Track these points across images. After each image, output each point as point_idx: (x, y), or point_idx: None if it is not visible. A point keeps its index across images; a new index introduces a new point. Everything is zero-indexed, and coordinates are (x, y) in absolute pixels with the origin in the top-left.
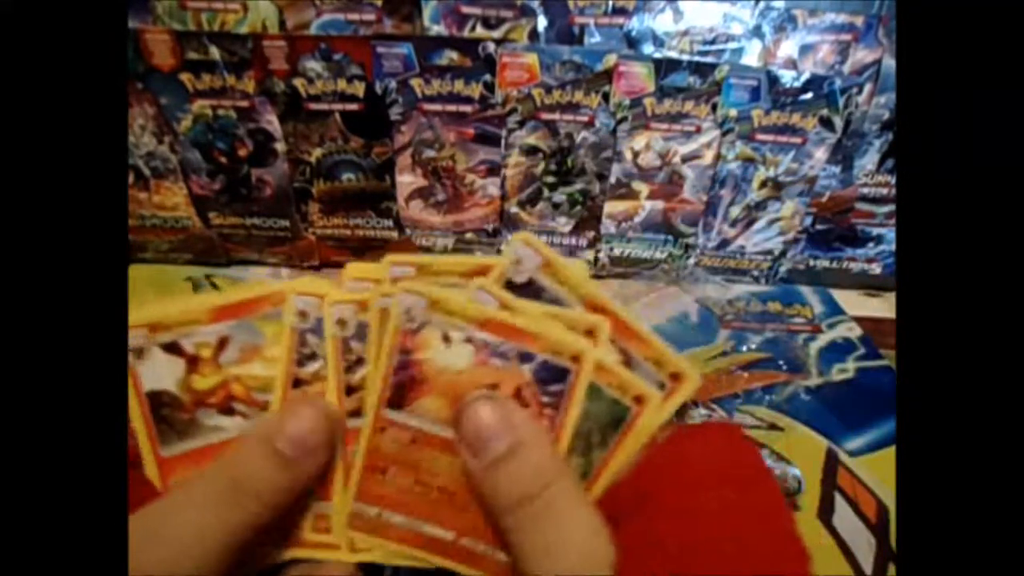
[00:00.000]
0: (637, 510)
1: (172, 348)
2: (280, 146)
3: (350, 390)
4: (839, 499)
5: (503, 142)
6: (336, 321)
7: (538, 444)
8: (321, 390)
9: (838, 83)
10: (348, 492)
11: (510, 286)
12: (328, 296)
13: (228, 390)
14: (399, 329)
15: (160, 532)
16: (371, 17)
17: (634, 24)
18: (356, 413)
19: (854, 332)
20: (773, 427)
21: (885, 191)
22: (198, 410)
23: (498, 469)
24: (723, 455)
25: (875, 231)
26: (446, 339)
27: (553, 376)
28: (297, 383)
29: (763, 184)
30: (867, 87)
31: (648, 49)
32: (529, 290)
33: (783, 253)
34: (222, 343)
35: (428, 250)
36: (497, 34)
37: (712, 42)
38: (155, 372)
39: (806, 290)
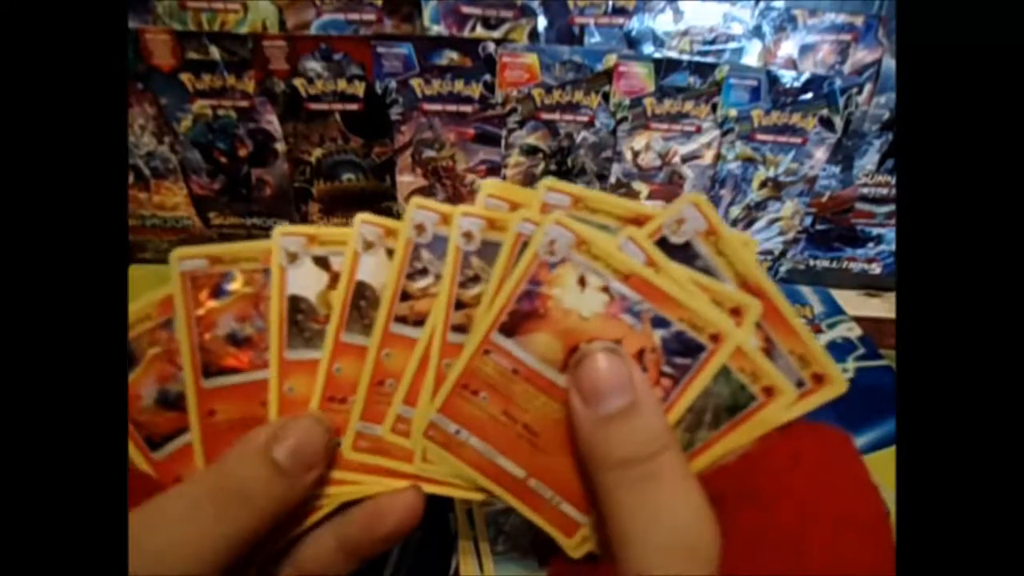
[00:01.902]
0: (744, 500)
1: (321, 262)
2: (280, 146)
3: (459, 305)
4: None
5: (503, 142)
6: (462, 233)
7: (654, 409)
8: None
9: (838, 83)
10: (434, 402)
11: (664, 244)
12: (458, 208)
13: (421, 308)
14: (536, 258)
15: (147, 541)
16: (371, 17)
17: (634, 24)
18: (459, 328)
19: (854, 332)
20: None
21: (885, 191)
22: (327, 323)
23: (611, 424)
24: (836, 463)
25: (875, 231)
26: (581, 282)
27: (684, 349)
28: (405, 296)
29: (763, 184)
30: (867, 87)
31: (648, 49)
32: (684, 253)
33: (783, 253)
34: (423, 271)
35: None
36: (497, 34)
37: (712, 42)
38: (301, 280)
39: (806, 290)
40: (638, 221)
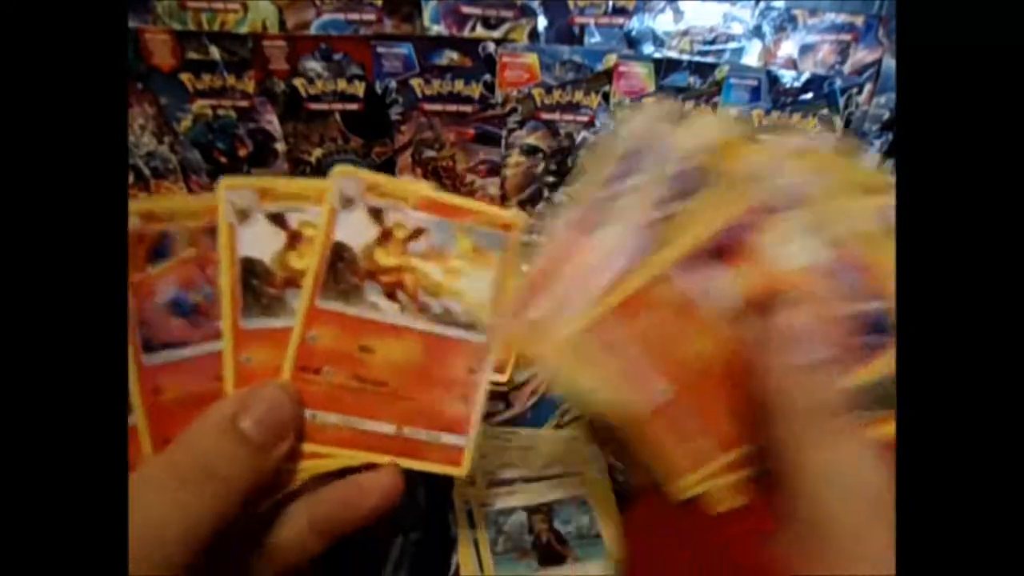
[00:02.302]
0: None
1: (277, 219)
2: (280, 146)
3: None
4: None
5: (503, 142)
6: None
7: (849, 369)
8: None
9: (838, 83)
10: (590, 316)
11: None
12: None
13: (400, 277)
14: (757, 199)
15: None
16: (371, 17)
17: (634, 24)
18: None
19: None
20: None
21: None
22: (287, 289)
23: (808, 374)
24: None
25: None
26: (793, 234)
27: (879, 329)
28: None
29: None
30: (867, 87)
31: (648, 49)
32: None
33: None
34: (417, 232)
35: None
36: (497, 34)
37: (712, 42)
38: (255, 240)
39: None
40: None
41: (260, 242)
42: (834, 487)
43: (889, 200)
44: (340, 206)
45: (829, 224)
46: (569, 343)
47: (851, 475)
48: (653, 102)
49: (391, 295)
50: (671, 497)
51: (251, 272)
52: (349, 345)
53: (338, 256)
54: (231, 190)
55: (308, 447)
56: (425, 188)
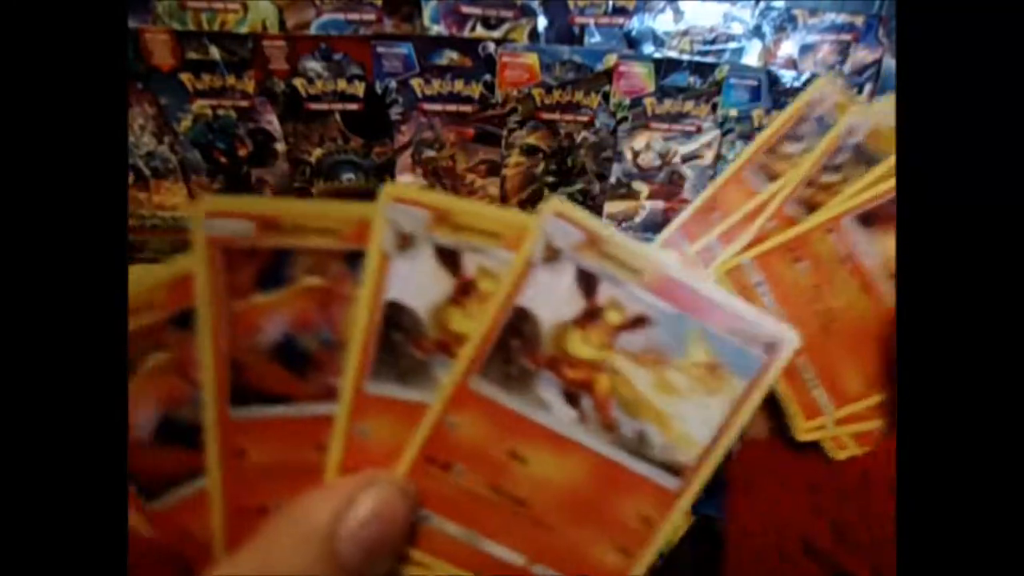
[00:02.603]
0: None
1: (448, 258)
2: (280, 146)
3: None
4: None
5: (503, 142)
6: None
7: None
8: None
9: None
10: (750, 252)
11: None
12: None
13: (592, 376)
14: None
15: None
16: (371, 17)
17: (634, 24)
18: (811, 210)
19: None
20: None
21: None
22: (437, 354)
23: None
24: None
25: None
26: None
27: None
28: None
29: None
30: (867, 87)
31: (648, 49)
32: None
33: None
34: (637, 322)
35: None
36: (497, 34)
37: (712, 42)
38: (413, 279)
39: None
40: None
41: (419, 285)
42: None
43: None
44: (541, 258)
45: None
46: (719, 273)
47: None
48: (832, 78)
49: (572, 397)
50: (790, 440)
51: (395, 323)
52: (496, 445)
53: (516, 328)
54: (397, 203)
55: (414, 552)
56: (670, 261)
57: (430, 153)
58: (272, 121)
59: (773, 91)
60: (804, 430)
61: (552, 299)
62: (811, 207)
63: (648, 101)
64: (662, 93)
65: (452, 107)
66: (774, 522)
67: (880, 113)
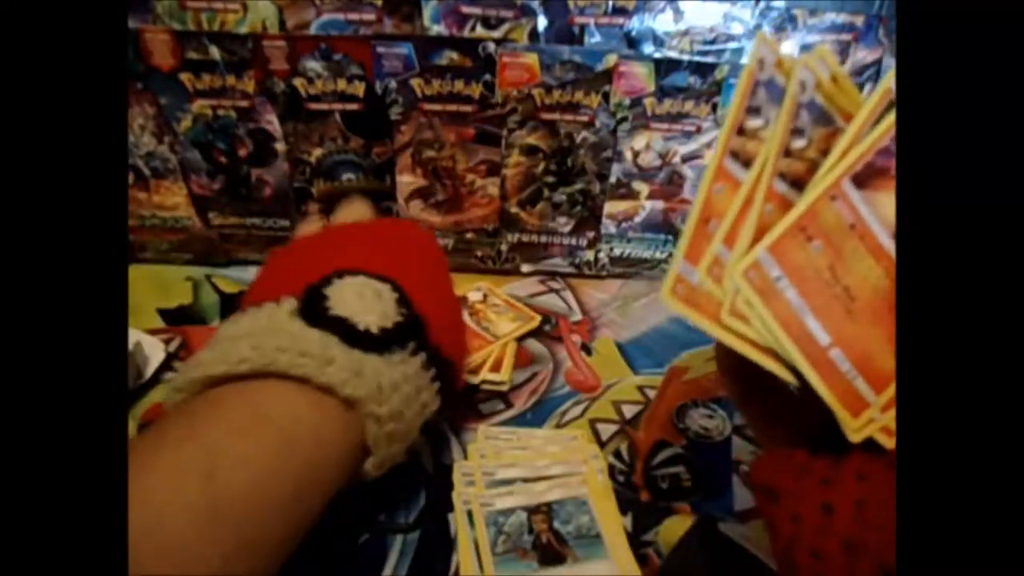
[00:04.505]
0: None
1: None
2: (280, 146)
3: (786, 154)
4: None
5: (503, 142)
6: (799, 82)
7: None
8: None
9: None
10: (764, 241)
11: None
12: (800, 58)
13: None
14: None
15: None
16: (371, 17)
17: (634, 24)
18: (785, 178)
19: None
20: None
21: None
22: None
23: None
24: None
25: None
26: None
27: None
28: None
29: None
30: (867, 87)
31: (648, 49)
32: None
33: None
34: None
35: None
36: (497, 34)
37: (712, 42)
38: None
39: None
40: None
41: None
42: None
43: None
44: None
45: None
46: (737, 277)
47: None
48: (763, 38)
49: None
50: (848, 440)
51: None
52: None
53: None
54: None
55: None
56: None
57: (430, 153)
58: (272, 121)
59: None
60: (855, 429)
61: None
62: (794, 180)
63: (648, 101)
64: (662, 93)
65: (452, 107)
66: (815, 527)
67: (819, 64)
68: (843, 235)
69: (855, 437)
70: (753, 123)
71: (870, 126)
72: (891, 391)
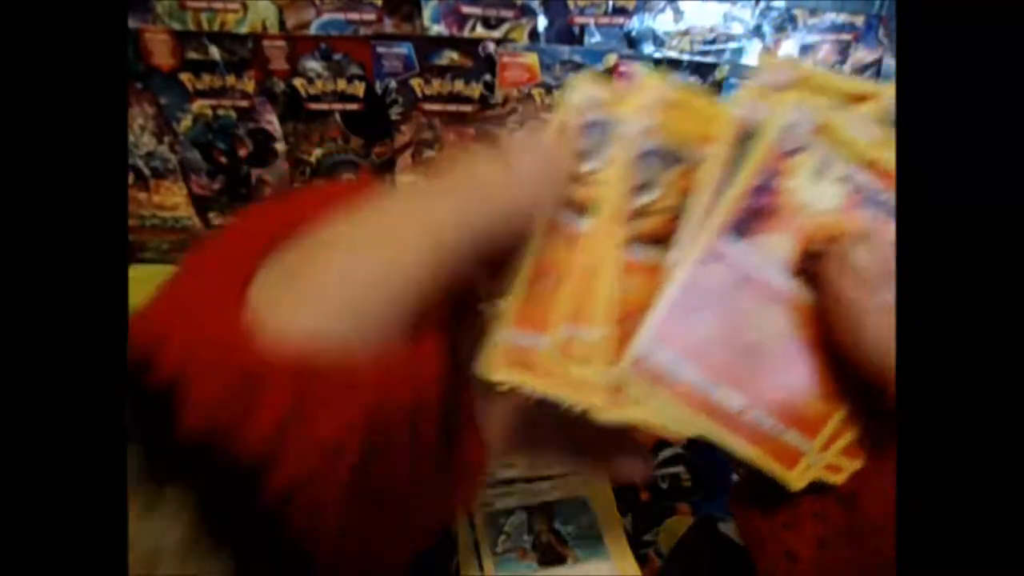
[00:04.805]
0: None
1: None
2: (280, 146)
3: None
4: None
5: None
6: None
7: None
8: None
9: None
10: (641, 331)
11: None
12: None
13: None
14: (772, 147)
15: (371, 231)
16: (371, 17)
17: (634, 24)
18: (657, 241)
19: None
20: None
21: None
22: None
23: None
24: None
25: None
26: (818, 172)
27: None
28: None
29: None
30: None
31: (648, 49)
32: None
33: None
34: None
35: None
36: (497, 34)
37: (712, 42)
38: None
39: None
40: (864, 98)
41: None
42: None
43: (880, 101)
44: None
45: (841, 149)
46: (626, 378)
47: None
48: (584, 78)
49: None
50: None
51: None
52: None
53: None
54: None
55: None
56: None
57: (430, 153)
58: (272, 121)
59: None
60: (795, 479)
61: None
62: (655, 239)
63: None
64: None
65: (452, 107)
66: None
67: (656, 104)
68: (734, 295)
69: (797, 486)
70: (584, 167)
71: (731, 162)
72: (827, 430)
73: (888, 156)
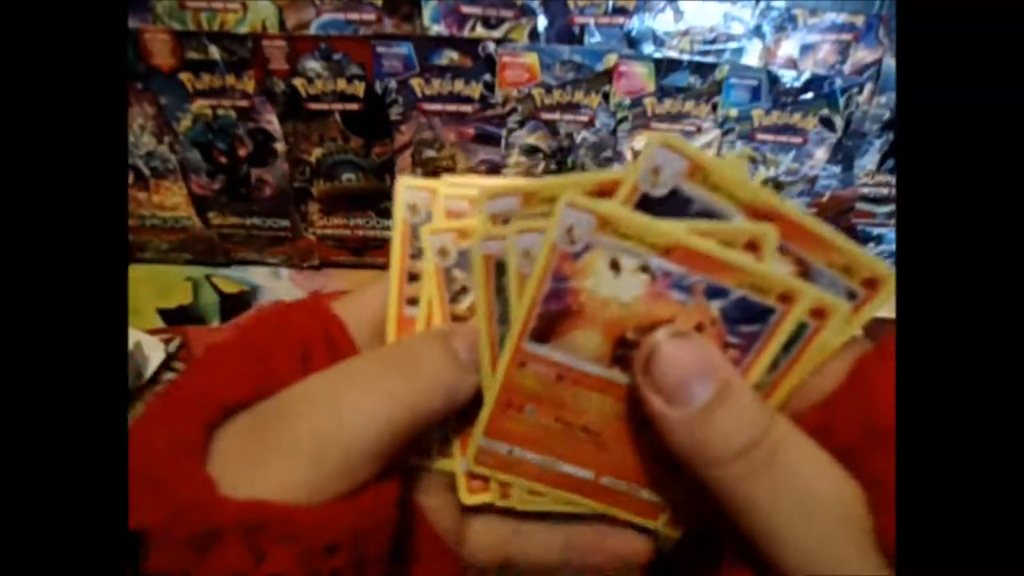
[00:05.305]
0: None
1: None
2: (280, 146)
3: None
4: None
5: (503, 142)
6: (437, 251)
7: (743, 384)
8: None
9: (838, 83)
10: (477, 427)
11: (646, 202)
12: (427, 227)
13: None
14: (556, 251)
15: (332, 398)
16: (371, 17)
17: (634, 24)
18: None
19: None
20: None
21: (885, 191)
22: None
23: (708, 417)
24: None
25: (875, 231)
26: (614, 266)
27: (749, 315)
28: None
29: (763, 184)
30: (867, 87)
31: (648, 49)
32: (673, 203)
33: None
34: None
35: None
36: (497, 34)
37: (712, 42)
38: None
39: None
40: (608, 191)
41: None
42: (800, 519)
43: (631, 185)
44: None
45: (639, 241)
46: (476, 459)
47: (810, 497)
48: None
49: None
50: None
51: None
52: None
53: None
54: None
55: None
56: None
57: (430, 153)
58: (272, 121)
59: (773, 91)
60: (665, 523)
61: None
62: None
63: (648, 101)
64: (662, 93)
65: (452, 107)
66: None
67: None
68: (553, 389)
69: (676, 534)
70: (419, 266)
71: (531, 279)
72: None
73: (694, 241)
